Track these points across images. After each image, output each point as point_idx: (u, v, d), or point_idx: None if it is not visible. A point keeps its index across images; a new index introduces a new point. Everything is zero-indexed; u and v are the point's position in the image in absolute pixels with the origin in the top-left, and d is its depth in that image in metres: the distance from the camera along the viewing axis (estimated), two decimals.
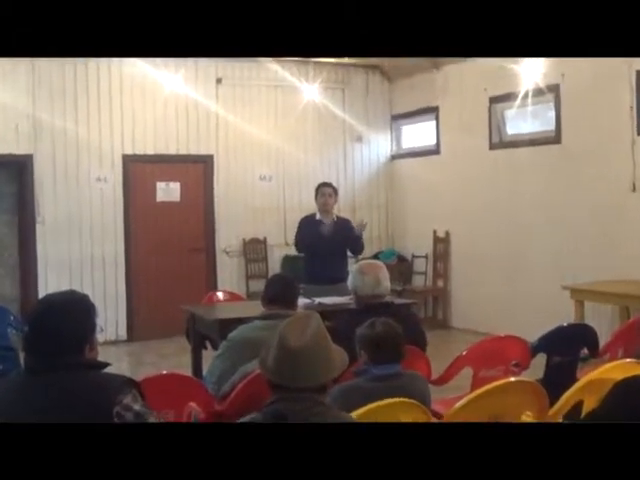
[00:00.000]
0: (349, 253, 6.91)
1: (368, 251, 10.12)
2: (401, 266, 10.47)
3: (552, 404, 3.34)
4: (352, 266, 4.50)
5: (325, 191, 6.74)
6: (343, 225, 6.81)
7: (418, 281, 10.43)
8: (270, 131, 10.06)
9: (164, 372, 3.98)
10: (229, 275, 9.87)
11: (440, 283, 10.06)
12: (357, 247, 6.79)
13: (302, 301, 5.76)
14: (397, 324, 3.33)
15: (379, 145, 10.86)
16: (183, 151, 9.59)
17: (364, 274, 4.26)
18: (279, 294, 4.19)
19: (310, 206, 7.09)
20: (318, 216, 6.76)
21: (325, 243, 6.54)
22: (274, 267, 10.00)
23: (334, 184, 7.08)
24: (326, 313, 4.17)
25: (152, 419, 2.45)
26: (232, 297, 6.85)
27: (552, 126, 8.34)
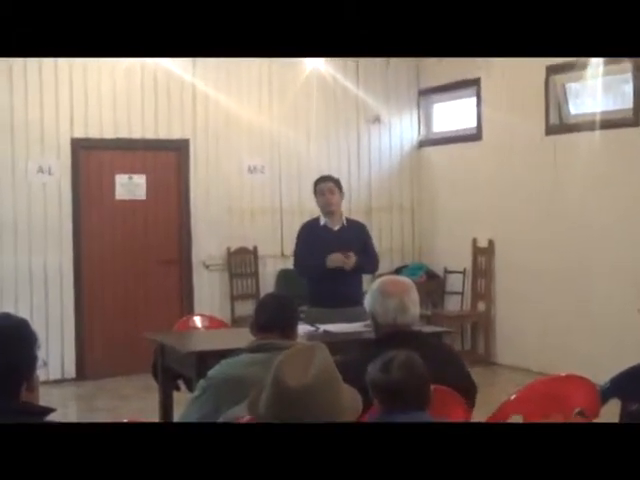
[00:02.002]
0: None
1: (387, 265, 10.13)
2: (431, 284, 10.45)
3: None
4: (371, 284, 4.47)
5: (324, 187, 6.73)
6: (356, 230, 6.80)
7: (453, 303, 10.41)
8: (262, 110, 10.07)
9: (124, 420, 3.97)
10: (209, 294, 9.86)
11: (481, 306, 10.04)
12: (369, 265, 6.79)
13: (304, 329, 5.75)
14: (422, 361, 3.30)
15: (403, 128, 10.86)
16: (150, 135, 9.60)
17: (387, 296, 4.22)
18: (273, 319, 4.17)
19: (314, 206, 7.08)
20: (323, 220, 6.76)
21: (332, 254, 6.52)
22: (267, 284, 9.99)
23: (344, 178, 7.09)
24: (335, 344, 4.13)
25: None
26: (213, 323, 6.85)
27: (629, 104, 8.32)
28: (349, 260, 6.48)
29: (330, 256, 6.48)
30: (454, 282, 10.42)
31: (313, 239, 6.67)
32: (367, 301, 4.30)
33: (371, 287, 4.34)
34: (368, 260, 6.74)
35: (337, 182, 6.81)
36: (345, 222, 6.79)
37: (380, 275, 6.21)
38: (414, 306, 4.24)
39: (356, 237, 6.71)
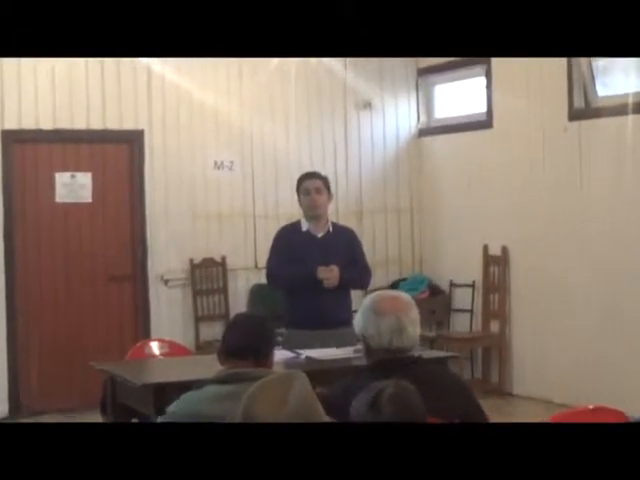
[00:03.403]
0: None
1: (382, 278, 10.14)
2: (434, 300, 10.46)
3: None
4: (363, 299, 4.47)
5: (310, 186, 6.74)
6: (344, 238, 6.81)
7: (460, 323, 10.43)
8: (231, 96, 10.06)
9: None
10: (169, 315, 9.83)
11: (494, 327, 10.04)
12: (359, 279, 6.81)
13: (282, 355, 5.75)
14: (417, 392, 3.29)
15: (399, 115, 10.88)
16: (97, 125, 9.57)
17: (381, 314, 4.22)
18: (245, 345, 4.17)
19: (293, 209, 7.09)
20: (305, 225, 6.76)
21: (315, 266, 6.53)
22: (238, 303, 9.99)
23: (330, 175, 7.09)
24: (319, 374, 4.13)
25: None
26: (173, 350, 6.86)
27: None
28: (331, 276, 6.50)
29: (323, 267, 6.51)
30: (462, 298, 10.43)
31: (293, 247, 6.66)
32: (357, 321, 4.29)
33: (362, 304, 4.34)
34: (358, 273, 6.75)
35: (325, 181, 6.82)
36: (331, 228, 6.80)
37: (373, 291, 6.20)
38: (413, 326, 4.23)
39: (344, 246, 6.71)
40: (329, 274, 6.50)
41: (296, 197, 6.88)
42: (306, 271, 6.50)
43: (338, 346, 6.16)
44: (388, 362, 4.11)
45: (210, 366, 4.47)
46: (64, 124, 9.43)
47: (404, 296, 4.43)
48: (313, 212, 6.72)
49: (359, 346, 4.56)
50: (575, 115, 9.13)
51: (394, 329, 4.17)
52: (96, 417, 6.21)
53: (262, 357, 4.16)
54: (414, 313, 4.27)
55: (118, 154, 9.75)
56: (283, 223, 7.34)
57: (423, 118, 10.97)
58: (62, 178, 9.49)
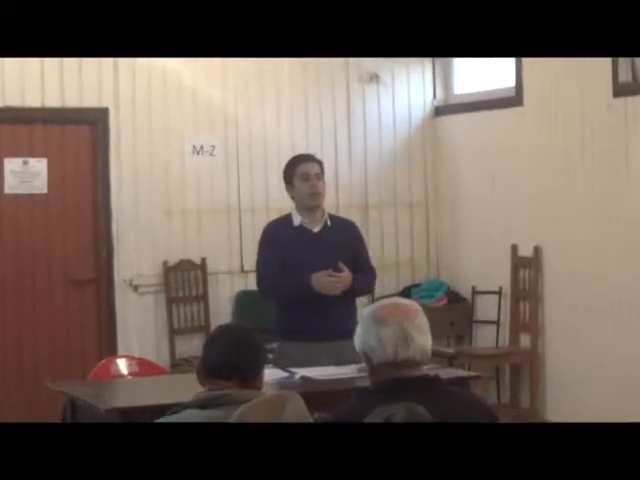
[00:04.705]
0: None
1: (392, 284, 10.17)
2: (454, 310, 10.49)
3: None
4: (363, 309, 4.50)
5: (310, 170, 6.74)
6: (345, 233, 6.82)
7: (485, 337, 10.45)
8: (212, 69, 10.07)
9: None
10: (139, 327, 9.85)
11: (524, 341, 10.06)
12: (365, 283, 6.84)
13: (272, 375, 5.76)
14: (431, 418, 3.30)
15: (411, 90, 10.90)
16: (54, 103, 9.59)
17: (382, 324, 4.22)
18: (230, 362, 4.18)
19: (285, 202, 7.10)
20: (297, 219, 6.76)
21: (313, 267, 6.54)
22: (221, 312, 10.02)
23: (329, 162, 7.13)
24: (317, 396, 4.14)
25: None
26: (144, 368, 6.89)
27: None
28: (339, 281, 6.49)
29: (315, 276, 6.47)
30: (486, 307, 10.46)
31: (284, 247, 6.66)
32: (357, 336, 4.28)
33: (361, 315, 4.34)
34: (368, 281, 6.76)
35: (322, 165, 6.83)
36: (329, 221, 6.79)
37: (380, 299, 6.22)
38: (421, 335, 4.21)
39: (345, 242, 6.70)
40: (331, 284, 6.47)
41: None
42: (305, 281, 6.47)
43: (340, 360, 6.17)
44: (397, 382, 4.10)
45: (188, 387, 4.49)
46: (14, 101, 9.45)
47: (409, 302, 4.45)
48: (315, 201, 6.70)
49: (361, 364, 4.57)
50: (621, 90, 9.13)
51: (398, 338, 4.16)
52: None
53: (249, 377, 4.17)
54: (421, 320, 4.26)
55: (78, 137, 9.77)
56: (273, 218, 7.34)
57: (440, 94, 10.99)
58: (12, 165, 9.51)
